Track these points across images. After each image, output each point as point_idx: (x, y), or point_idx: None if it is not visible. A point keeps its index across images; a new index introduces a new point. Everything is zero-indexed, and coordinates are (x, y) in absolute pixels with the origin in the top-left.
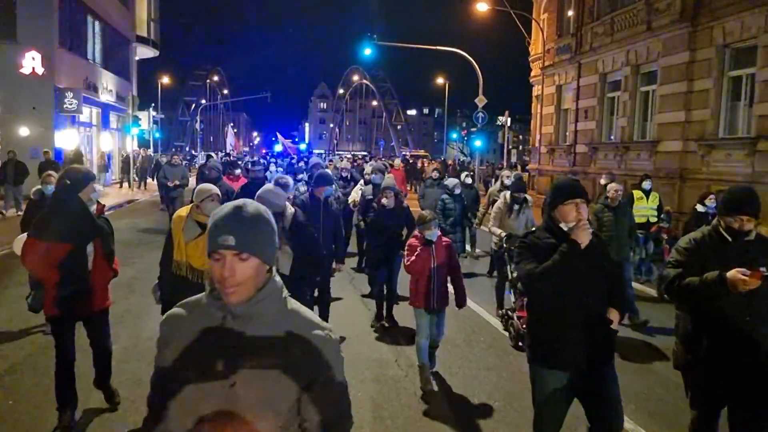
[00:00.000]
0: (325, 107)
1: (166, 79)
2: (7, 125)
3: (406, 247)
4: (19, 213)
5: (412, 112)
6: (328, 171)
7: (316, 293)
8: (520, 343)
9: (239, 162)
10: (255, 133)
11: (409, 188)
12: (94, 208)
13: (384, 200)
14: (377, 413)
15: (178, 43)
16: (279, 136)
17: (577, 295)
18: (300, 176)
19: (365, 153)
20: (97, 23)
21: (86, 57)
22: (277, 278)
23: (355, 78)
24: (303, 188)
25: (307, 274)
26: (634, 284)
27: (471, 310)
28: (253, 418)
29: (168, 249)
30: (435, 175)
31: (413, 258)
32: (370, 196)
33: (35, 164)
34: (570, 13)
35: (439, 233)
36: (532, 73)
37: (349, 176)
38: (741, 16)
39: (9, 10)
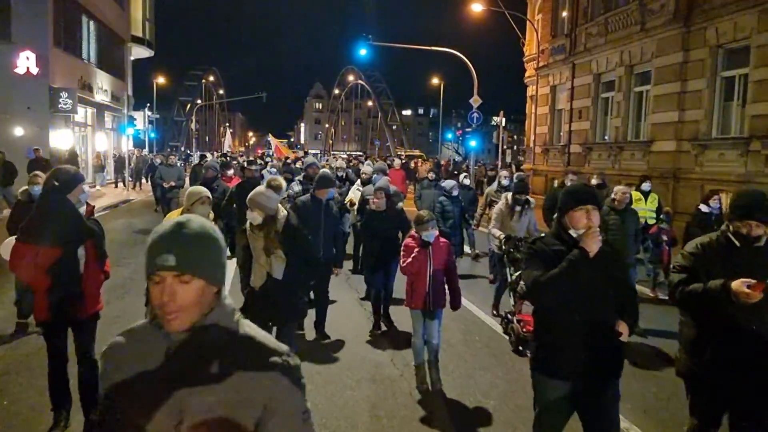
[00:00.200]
0: (320, 107)
1: (161, 79)
2: (1, 125)
3: (402, 248)
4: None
5: (407, 112)
6: (329, 173)
7: (312, 296)
8: (521, 348)
9: (234, 162)
10: (250, 133)
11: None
12: (83, 209)
13: (374, 201)
14: (373, 413)
15: (173, 43)
16: (270, 137)
17: (583, 305)
18: (296, 177)
19: (360, 153)
20: (92, 23)
21: (81, 57)
22: (228, 301)
23: (351, 78)
24: (297, 188)
25: (301, 278)
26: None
27: (467, 310)
28: None
29: None
30: (431, 176)
31: (410, 260)
32: (370, 197)
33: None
34: (564, 13)
35: (437, 234)
36: (527, 74)
37: (344, 176)
38: (734, 16)
39: (3, 10)
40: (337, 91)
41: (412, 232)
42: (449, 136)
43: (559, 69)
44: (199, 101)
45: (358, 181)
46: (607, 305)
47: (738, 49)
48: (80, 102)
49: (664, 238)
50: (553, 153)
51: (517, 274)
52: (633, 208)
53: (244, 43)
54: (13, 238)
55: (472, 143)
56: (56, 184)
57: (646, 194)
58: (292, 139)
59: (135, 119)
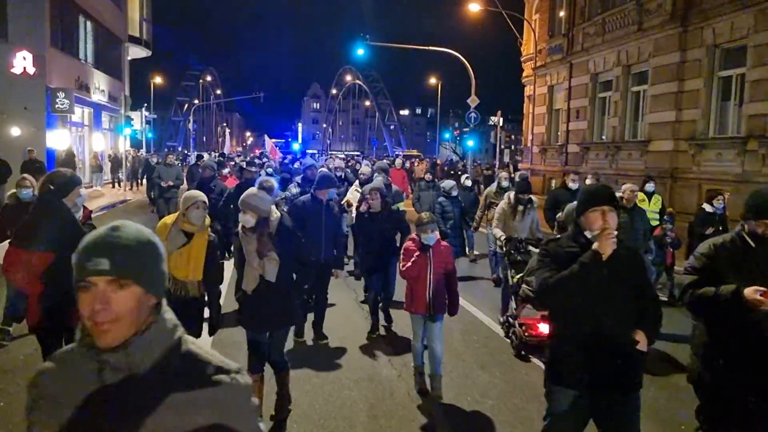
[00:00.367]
0: (318, 107)
1: (158, 79)
2: None
3: (402, 251)
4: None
5: (404, 112)
6: (330, 173)
7: (306, 299)
8: (523, 352)
9: (231, 162)
10: (248, 133)
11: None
12: (80, 214)
13: (369, 202)
14: (371, 413)
15: (170, 44)
16: (266, 138)
17: (596, 311)
18: (295, 178)
19: (358, 153)
20: (89, 23)
21: (78, 57)
22: (168, 315)
23: (348, 78)
24: (295, 189)
25: (295, 281)
26: None
27: (465, 310)
28: None
29: None
30: (428, 177)
31: (409, 264)
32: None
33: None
34: (561, 13)
35: (438, 237)
36: (524, 74)
37: (342, 176)
38: (731, 16)
39: (0, 10)
40: (334, 91)
41: (413, 234)
42: (447, 136)
43: (556, 69)
44: (196, 101)
45: (357, 181)
46: (624, 312)
47: (735, 48)
48: (77, 102)
49: (668, 239)
50: (551, 153)
51: (518, 276)
52: (641, 207)
53: (241, 43)
54: (7, 242)
55: (470, 143)
56: (52, 187)
57: (649, 195)
58: (290, 139)
59: (132, 119)
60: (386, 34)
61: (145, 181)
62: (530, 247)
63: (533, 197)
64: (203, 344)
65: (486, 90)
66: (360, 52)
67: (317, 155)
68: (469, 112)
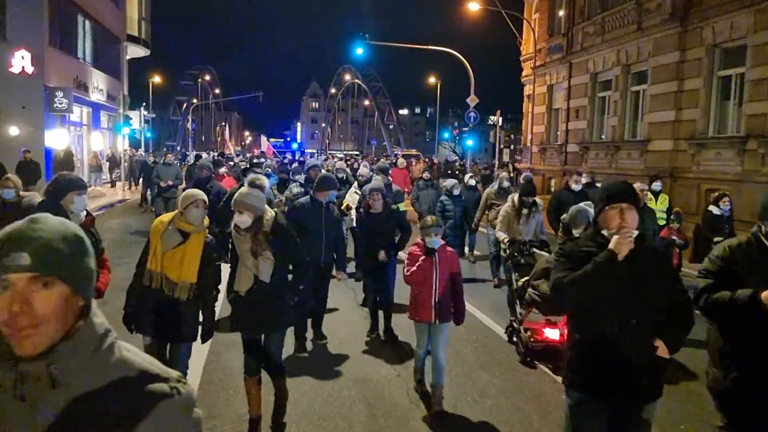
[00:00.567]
0: (316, 106)
1: (157, 79)
2: None
3: (406, 256)
4: None
5: (404, 111)
6: (331, 175)
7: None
8: (529, 359)
9: (230, 162)
10: (247, 133)
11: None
12: (78, 219)
13: (371, 204)
14: (370, 412)
15: (169, 43)
16: (262, 137)
17: (616, 314)
18: (297, 177)
19: (358, 152)
20: (87, 22)
21: (77, 56)
22: (99, 319)
23: (347, 77)
24: (296, 189)
25: (290, 282)
26: None
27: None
28: None
29: (144, 257)
30: (426, 176)
31: (413, 268)
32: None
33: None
34: (561, 13)
35: (443, 242)
36: (524, 73)
37: (344, 177)
38: (730, 16)
39: None
40: (333, 91)
41: (418, 239)
42: (446, 135)
43: (556, 68)
44: (195, 101)
45: (355, 183)
46: (647, 316)
47: (734, 48)
48: (75, 101)
49: (675, 240)
50: (550, 152)
51: (523, 280)
52: (650, 207)
53: (240, 42)
54: None
55: (469, 142)
56: (51, 190)
57: (656, 194)
58: (288, 138)
59: (131, 119)
60: (385, 34)
61: (141, 181)
62: (534, 250)
63: (538, 199)
64: (198, 346)
65: (485, 89)
66: (359, 51)
67: (315, 155)
68: (468, 111)
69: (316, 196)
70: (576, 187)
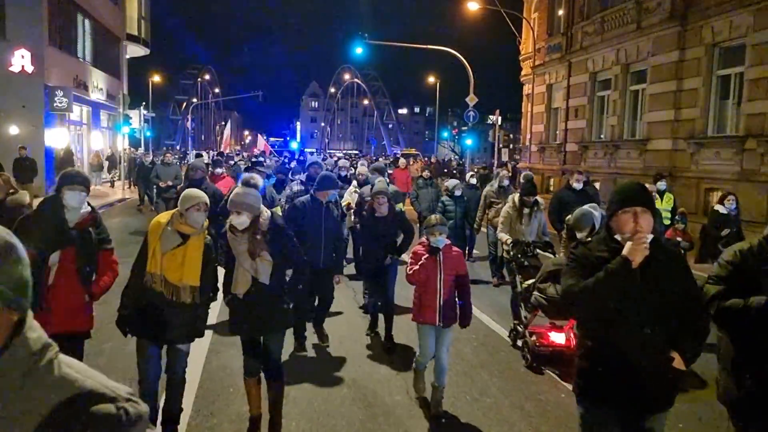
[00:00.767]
0: (316, 106)
1: (157, 78)
2: None
3: (410, 255)
4: None
5: (403, 110)
6: (332, 173)
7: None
8: (535, 364)
9: (231, 162)
10: (246, 132)
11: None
12: (73, 215)
13: (376, 207)
14: (370, 411)
15: (169, 42)
16: (260, 137)
17: (630, 323)
18: (297, 176)
19: (357, 151)
20: (87, 21)
21: (76, 55)
22: (34, 334)
23: (347, 77)
24: (297, 187)
25: (288, 283)
26: None
27: None
28: None
29: (141, 258)
30: (426, 174)
31: (416, 267)
32: (369, 198)
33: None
34: (560, 12)
35: (448, 241)
36: (523, 72)
37: (347, 176)
38: (730, 15)
39: None
40: (333, 90)
41: (423, 239)
42: (445, 134)
43: (555, 67)
44: (194, 100)
45: (354, 182)
46: (661, 324)
47: (734, 47)
48: (75, 100)
49: (680, 240)
50: (549, 152)
51: (528, 282)
52: (657, 208)
53: (239, 41)
54: None
55: (469, 142)
56: (56, 185)
57: (661, 193)
58: (287, 138)
59: (130, 118)
60: (385, 33)
61: (138, 181)
62: (538, 251)
63: (539, 199)
64: (195, 346)
65: (484, 89)
66: (359, 50)
67: (315, 154)
68: (467, 110)
69: (317, 195)
70: (577, 186)
